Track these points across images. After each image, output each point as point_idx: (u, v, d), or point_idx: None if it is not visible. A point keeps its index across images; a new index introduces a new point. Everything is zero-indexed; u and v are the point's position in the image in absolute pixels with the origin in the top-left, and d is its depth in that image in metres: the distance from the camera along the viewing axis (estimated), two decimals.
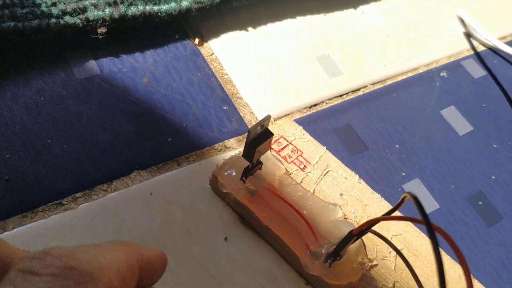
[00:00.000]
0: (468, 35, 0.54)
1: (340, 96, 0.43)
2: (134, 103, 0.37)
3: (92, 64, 0.38)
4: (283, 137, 0.38)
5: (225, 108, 0.39)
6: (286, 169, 0.35)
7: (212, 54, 0.42)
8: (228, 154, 0.37)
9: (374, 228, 0.29)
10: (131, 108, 0.37)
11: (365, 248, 0.33)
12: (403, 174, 0.40)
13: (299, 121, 0.40)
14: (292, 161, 0.37)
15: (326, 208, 0.33)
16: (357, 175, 0.37)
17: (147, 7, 0.40)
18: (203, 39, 0.43)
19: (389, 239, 0.34)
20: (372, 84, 0.45)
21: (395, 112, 0.44)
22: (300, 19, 0.47)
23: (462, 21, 0.54)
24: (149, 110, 0.37)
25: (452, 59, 0.51)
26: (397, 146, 0.41)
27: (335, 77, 0.44)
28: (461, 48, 0.52)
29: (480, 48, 0.53)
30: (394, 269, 0.33)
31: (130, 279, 0.17)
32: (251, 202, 0.33)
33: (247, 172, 0.32)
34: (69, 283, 0.14)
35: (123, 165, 0.34)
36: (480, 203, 0.40)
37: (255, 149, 0.29)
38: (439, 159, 0.42)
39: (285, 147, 0.37)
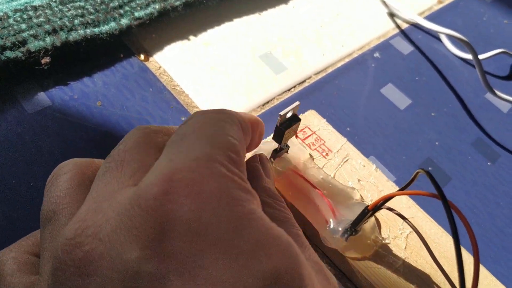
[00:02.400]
0: (392, 15, 0.57)
1: (289, 90, 0.45)
2: (92, 129, 0.37)
3: (42, 96, 0.38)
4: (308, 127, 0.41)
5: (183, 119, 0.40)
6: (310, 155, 0.39)
7: (160, 67, 0.43)
8: None
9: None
10: (90, 135, 0.37)
11: (380, 228, 0.36)
12: None
13: None
14: (315, 149, 0.40)
15: (344, 190, 0.36)
16: (374, 164, 0.40)
17: (88, 30, 0.40)
18: (148, 54, 0.43)
19: (401, 222, 0.37)
20: (315, 74, 0.48)
21: (340, 98, 0.46)
22: (237, 21, 0.49)
23: (384, 2, 0.58)
24: (109, 134, 0.37)
25: (381, 40, 0.54)
26: (348, 129, 0.44)
27: (280, 72, 0.46)
28: (388, 28, 0.56)
29: (404, 26, 0.57)
30: (405, 248, 0.36)
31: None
32: (278, 181, 0.36)
33: (275, 154, 0.36)
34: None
35: None
36: (430, 168, 0.44)
37: (284, 131, 0.32)
38: (387, 135, 0.45)
39: (309, 136, 0.41)
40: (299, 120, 0.33)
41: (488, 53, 0.55)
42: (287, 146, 0.37)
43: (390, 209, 0.34)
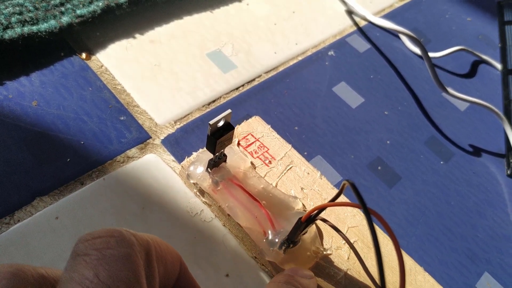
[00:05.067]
0: (350, 12, 0.57)
1: (237, 89, 0.45)
2: (26, 129, 0.36)
3: None
4: (251, 134, 0.40)
5: (122, 118, 0.39)
6: (251, 163, 0.38)
7: (102, 66, 0.42)
8: (131, 165, 0.37)
9: (330, 219, 0.32)
10: (23, 135, 0.36)
11: (322, 239, 0.35)
12: (305, 153, 0.42)
13: (200, 120, 0.41)
14: (257, 157, 0.39)
15: (286, 200, 0.35)
16: (319, 171, 0.39)
17: (25, 29, 0.39)
18: (91, 53, 0.42)
19: (345, 231, 0.37)
20: (265, 73, 0.47)
21: (290, 96, 0.46)
22: (187, 19, 0.48)
23: (342, 0, 0.57)
24: (42, 134, 0.36)
25: (337, 38, 0.53)
26: (296, 128, 0.43)
27: (229, 71, 0.45)
28: (345, 25, 0.55)
29: (362, 23, 0.56)
30: (348, 258, 0.35)
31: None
32: (215, 192, 0.35)
33: (212, 164, 0.35)
34: None
35: (23, 194, 0.33)
36: (379, 168, 0.43)
37: (216, 141, 0.31)
38: (336, 134, 0.44)
39: (252, 143, 0.39)
40: (233, 128, 0.32)
41: (446, 50, 0.54)
42: (225, 156, 0.35)
43: (324, 220, 0.33)
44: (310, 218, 0.30)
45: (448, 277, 0.38)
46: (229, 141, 0.33)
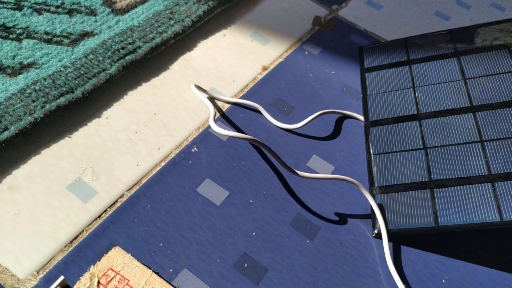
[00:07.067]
0: (212, 99, 0.59)
1: (99, 216, 0.47)
2: None
3: None
4: (111, 269, 0.42)
5: None
6: None
7: None
8: None
9: None
10: None
11: None
12: (171, 270, 0.44)
13: (62, 262, 0.43)
14: None
15: None
16: None
17: None
18: None
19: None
20: (128, 190, 0.49)
21: (154, 210, 0.48)
22: (45, 153, 0.50)
23: (201, 89, 0.59)
24: None
25: (201, 130, 0.56)
26: (161, 244, 0.46)
27: (90, 199, 0.47)
28: (207, 115, 0.57)
29: (226, 107, 0.59)
30: None
31: None
32: None
33: None
34: None
35: None
36: (245, 265, 0.46)
37: None
38: (202, 239, 0.47)
39: (112, 278, 0.42)
40: None
41: (306, 119, 0.57)
42: None
43: None
44: None
45: None
46: None
